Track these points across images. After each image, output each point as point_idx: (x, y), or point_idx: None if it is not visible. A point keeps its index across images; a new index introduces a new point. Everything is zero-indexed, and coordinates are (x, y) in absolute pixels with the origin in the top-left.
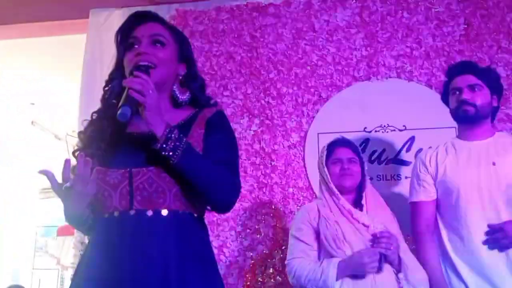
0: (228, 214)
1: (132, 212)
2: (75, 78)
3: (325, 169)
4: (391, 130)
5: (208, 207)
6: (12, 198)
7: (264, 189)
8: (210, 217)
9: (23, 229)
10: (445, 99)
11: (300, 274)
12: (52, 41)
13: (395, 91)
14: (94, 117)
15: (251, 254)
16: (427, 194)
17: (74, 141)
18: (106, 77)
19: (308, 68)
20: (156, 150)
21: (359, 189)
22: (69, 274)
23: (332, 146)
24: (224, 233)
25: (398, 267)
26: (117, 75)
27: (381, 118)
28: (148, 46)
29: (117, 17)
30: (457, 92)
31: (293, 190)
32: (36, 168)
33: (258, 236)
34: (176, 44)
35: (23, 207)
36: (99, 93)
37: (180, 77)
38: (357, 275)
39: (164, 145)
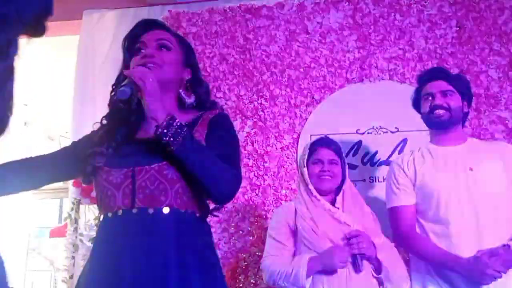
0: (221, 216)
1: (134, 211)
2: (68, 79)
3: (305, 169)
4: (384, 132)
5: (210, 201)
6: (4, 199)
7: (257, 191)
8: None
9: (16, 230)
10: (416, 105)
11: (273, 270)
12: (44, 42)
13: (388, 93)
14: (104, 121)
15: (244, 256)
16: (407, 199)
17: (67, 142)
18: (99, 77)
19: (301, 70)
20: (157, 136)
21: (338, 190)
22: (62, 276)
23: (314, 146)
24: (217, 235)
25: (379, 268)
26: (123, 79)
27: (374, 120)
28: (154, 50)
29: (110, 18)
30: (430, 97)
31: (286, 192)
32: None
33: (251, 238)
34: (182, 50)
35: (16, 207)
36: (92, 93)
37: (185, 82)
38: (328, 271)
39: (165, 130)
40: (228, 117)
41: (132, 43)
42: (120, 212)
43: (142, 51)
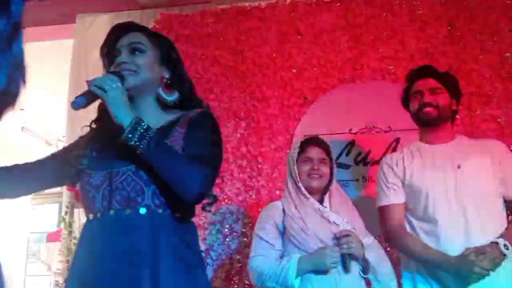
0: (215, 218)
1: (111, 212)
2: (64, 83)
3: (295, 167)
4: (376, 132)
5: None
6: (3, 205)
7: (250, 192)
8: (197, 220)
9: (16, 236)
10: (405, 103)
11: (262, 270)
12: (39, 46)
13: (380, 92)
14: (93, 125)
15: (238, 257)
16: (397, 197)
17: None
18: None
19: (294, 70)
20: (123, 140)
21: (325, 189)
22: (59, 280)
23: (305, 144)
24: (211, 237)
25: (366, 267)
26: None
27: (366, 119)
28: (127, 56)
29: (103, 22)
30: (419, 95)
31: (280, 192)
32: None
33: (245, 239)
34: (157, 49)
35: (15, 213)
36: None
37: (165, 80)
38: (319, 272)
39: (130, 135)
40: (209, 116)
41: (109, 50)
42: (99, 214)
43: (117, 58)
